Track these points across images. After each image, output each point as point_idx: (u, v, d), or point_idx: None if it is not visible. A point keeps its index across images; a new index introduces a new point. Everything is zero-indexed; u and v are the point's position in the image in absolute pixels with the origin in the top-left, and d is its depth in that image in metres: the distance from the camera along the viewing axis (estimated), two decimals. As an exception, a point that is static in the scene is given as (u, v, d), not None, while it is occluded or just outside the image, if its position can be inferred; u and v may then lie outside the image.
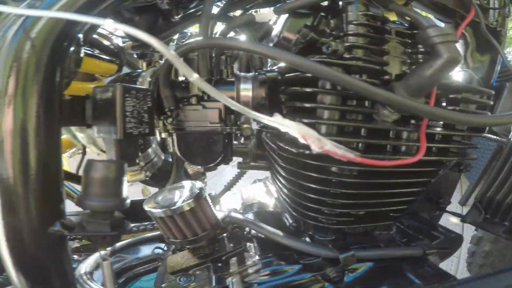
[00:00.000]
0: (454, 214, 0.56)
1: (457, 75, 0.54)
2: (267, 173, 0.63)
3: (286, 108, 0.39)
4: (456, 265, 1.22)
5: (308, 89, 0.33)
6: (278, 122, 0.25)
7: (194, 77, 0.23)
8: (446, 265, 1.24)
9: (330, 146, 0.26)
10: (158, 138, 0.59)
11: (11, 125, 0.24)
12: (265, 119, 0.25)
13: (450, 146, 0.39)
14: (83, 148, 0.55)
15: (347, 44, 0.35)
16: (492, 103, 0.42)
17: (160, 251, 0.64)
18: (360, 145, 0.35)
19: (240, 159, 0.54)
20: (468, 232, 1.02)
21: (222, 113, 0.40)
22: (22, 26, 0.25)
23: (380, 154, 0.36)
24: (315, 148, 0.26)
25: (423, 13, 0.44)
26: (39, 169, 0.25)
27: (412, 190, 0.42)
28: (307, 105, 0.33)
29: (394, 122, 0.36)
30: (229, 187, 0.67)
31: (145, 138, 0.53)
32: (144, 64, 0.58)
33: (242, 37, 0.50)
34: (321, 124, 0.33)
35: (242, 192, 0.65)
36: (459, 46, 0.53)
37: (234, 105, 0.25)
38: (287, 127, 0.25)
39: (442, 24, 0.51)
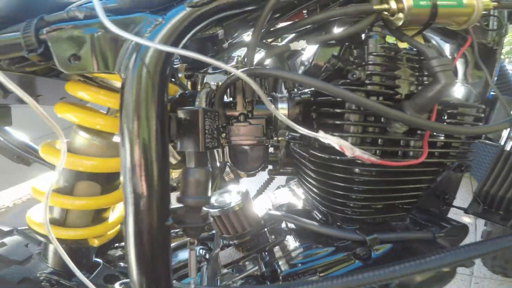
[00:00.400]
0: (459, 208, 0.66)
1: (459, 90, 0.65)
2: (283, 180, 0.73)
3: (316, 123, 0.50)
4: (469, 281, 1.29)
5: (338, 110, 0.45)
6: (322, 136, 0.36)
7: (263, 97, 0.34)
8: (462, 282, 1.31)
9: (359, 153, 0.37)
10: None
11: (138, 140, 0.34)
12: (313, 134, 0.37)
13: (449, 150, 0.50)
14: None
15: (368, 72, 0.46)
16: (482, 115, 0.53)
17: (202, 251, 0.75)
18: (377, 151, 0.46)
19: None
20: (480, 228, 1.11)
21: (264, 128, 0.51)
22: (139, 55, 0.35)
23: (393, 158, 0.47)
24: (349, 154, 0.37)
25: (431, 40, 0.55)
26: (159, 179, 0.36)
27: (419, 186, 0.53)
28: (337, 122, 0.45)
29: (403, 133, 0.47)
30: (261, 191, 0.78)
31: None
32: (189, 84, 0.69)
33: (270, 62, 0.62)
34: (348, 136, 0.45)
35: (271, 196, 0.76)
36: (460, 64, 0.64)
37: (289, 123, 0.36)
38: (329, 139, 0.37)
39: (447, 45, 0.62)
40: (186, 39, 0.39)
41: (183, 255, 0.74)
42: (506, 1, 0.48)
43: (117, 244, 0.78)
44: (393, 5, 0.42)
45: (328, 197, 0.54)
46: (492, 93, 0.71)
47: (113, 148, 0.50)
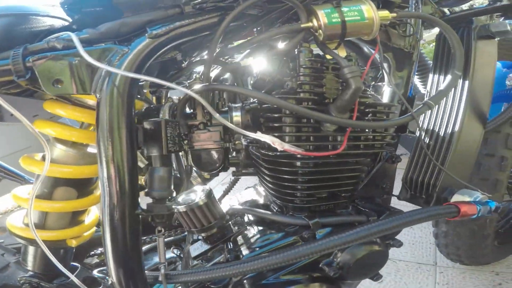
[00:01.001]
0: (394, 195, 0.80)
1: (386, 91, 0.80)
2: (254, 181, 0.85)
3: (264, 127, 0.62)
4: (433, 251, 1.44)
5: (276, 115, 0.57)
6: (258, 135, 0.48)
7: (213, 112, 0.46)
8: (424, 252, 1.45)
9: (287, 146, 0.50)
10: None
11: (112, 147, 0.44)
12: (251, 134, 0.48)
13: (372, 143, 0.64)
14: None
15: (299, 82, 0.59)
16: (396, 112, 0.67)
17: (176, 252, 0.83)
18: (310, 146, 0.59)
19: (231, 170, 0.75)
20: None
21: (221, 134, 0.62)
22: (110, 79, 0.45)
23: (324, 151, 0.60)
24: (279, 148, 0.50)
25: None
26: (129, 177, 0.45)
27: (353, 175, 0.66)
28: (276, 124, 0.57)
29: (334, 130, 0.60)
30: (227, 192, 0.89)
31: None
32: (154, 98, 0.80)
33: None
34: (285, 135, 0.57)
35: (238, 196, 0.87)
36: (387, 67, 0.79)
37: (234, 128, 0.48)
38: (263, 138, 0.49)
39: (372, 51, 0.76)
40: (148, 64, 0.50)
41: (157, 258, 0.81)
42: (403, 11, 0.62)
43: (92, 252, 0.84)
44: (315, 23, 0.54)
45: (279, 190, 0.66)
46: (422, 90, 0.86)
47: (87, 157, 0.59)
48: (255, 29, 0.66)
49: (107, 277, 0.49)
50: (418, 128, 0.71)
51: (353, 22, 0.54)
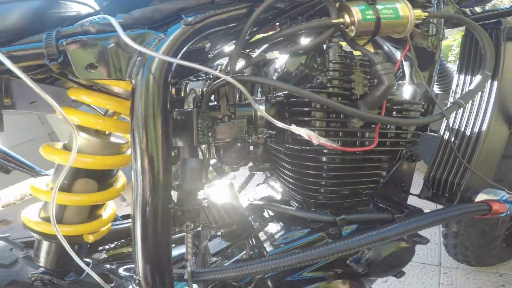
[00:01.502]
0: (413, 194, 0.80)
1: (407, 89, 0.79)
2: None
3: (289, 121, 0.61)
4: (438, 252, 1.44)
5: (306, 109, 0.56)
6: (294, 128, 0.47)
7: (250, 98, 0.44)
8: (429, 252, 1.45)
9: (323, 140, 0.49)
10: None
11: (147, 136, 0.43)
12: (287, 127, 0.48)
13: (398, 140, 0.63)
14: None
15: (329, 77, 0.58)
16: (423, 110, 0.67)
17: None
18: (339, 142, 0.58)
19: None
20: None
21: (245, 127, 0.61)
22: (146, 64, 0.44)
23: (353, 146, 0.59)
24: (315, 142, 0.49)
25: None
26: (164, 169, 0.44)
27: (376, 172, 0.65)
28: (306, 118, 0.56)
29: (360, 127, 0.59)
30: (243, 186, 0.87)
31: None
32: (173, 90, 0.78)
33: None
34: (315, 130, 0.56)
35: (252, 192, 0.86)
36: (407, 66, 0.78)
37: (270, 119, 0.47)
38: (299, 131, 0.48)
39: (397, 53, 0.76)
40: (183, 50, 0.49)
41: (174, 252, 0.80)
42: (435, 11, 0.62)
43: (101, 248, 0.83)
44: (347, 19, 0.54)
45: (302, 185, 0.65)
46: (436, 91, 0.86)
47: (110, 147, 0.57)
48: (277, 24, 0.65)
49: (134, 275, 0.48)
50: (445, 127, 0.71)
51: (387, 19, 0.54)
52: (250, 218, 0.67)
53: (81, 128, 0.55)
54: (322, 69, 0.60)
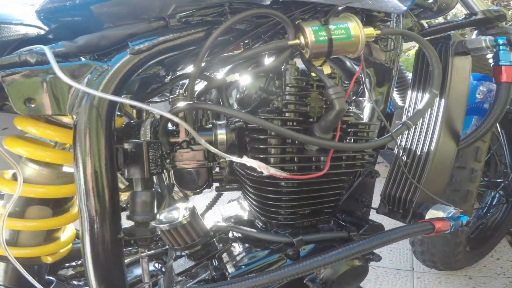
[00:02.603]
0: (373, 208, 0.83)
1: (366, 108, 0.83)
2: (237, 194, 0.85)
3: (249, 146, 0.62)
4: (410, 257, 1.50)
5: (261, 136, 0.58)
6: (245, 160, 0.49)
7: (198, 138, 0.45)
8: (402, 258, 1.51)
9: (273, 171, 0.51)
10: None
11: (91, 171, 0.43)
12: (237, 160, 0.49)
13: (353, 162, 0.66)
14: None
15: (284, 101, 0.60)
16: (376, 131, 0.70)
17: (158, 265, 0.82)
18: (295, 167, 0.60)
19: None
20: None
21: (205, 152, 0.62)
22: (88, 99, 0.44)
23: (309, 171, 0.61)
24: (266, 173, 0.50)
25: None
26: (110, 201, 0.44)
27: (335, 192, 0.68)
28: (261, 146, 0.58)
29: (316, 150, 0.62)
30: (210, 206, 0.88)
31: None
32: (134, 112, 0.77)
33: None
34: (270, 157, 0.58)
35: (221, 210, 0.86)
36: (368, 82, 0.81)
37: (220, 154, 0.48)
38: (250, 163, 0.49)
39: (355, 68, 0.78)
40: (129, 81, 0.49)
41: (138, 270, 0.80)
42: (387, 28, 0.64)
43: (67, 264, 0.81)
44: (302, 40, 0.55)
45: (264, 208, 0.66)
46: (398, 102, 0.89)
47: (62, 177, 0.57)
48: (241, 43, 0.66)
49: None
50: (396, 147, 0.74)
51: (339, 40, 0.55)
52: (214, 239, 0.68)
53: (30, 159, 0.54)
54: (279, 92, 0.62)
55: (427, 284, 1.37)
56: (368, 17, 0.65)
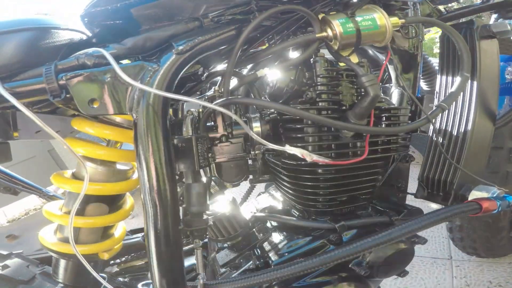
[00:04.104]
0: (410, 194, 0.83)
1: (394, 93, 0.83)
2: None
3: (284, 136, 0.65)
4: (447, 245, 1.46)
5: (298, 125, 0.60)
6: (288, 149, 0.51)
7: (241, 122, 0.48)
8: (438, 246, 1.47)
9: (315, 157, 0.53)
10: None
11: (152, 165, 0.46)
12: (280, 148, 0.51)
13: (388, 146, 0.67)
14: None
15: (317, 91, 0.62)
16: (409, 115, 0.70)
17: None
18: (332, 154, 0.62)
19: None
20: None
21: (243, 145, 0.65)
22: (145, 98, 0.48)
23: (345, 157, 0.62)
24: (308, 160, 0.52)
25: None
26: (170, 193, 0.48)
27: (371, 178, 0.69)
28: (299, 135, 0.60)
29: (352, 137, 0.63)
30: (245, 198, 0.91)
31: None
32: (171, 111, 0.82)
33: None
34: (308, 145, 0.60)
35: (254, 203, 0.89)
36: (392, 70, 0.82)
37: (264, 143, 0.50)
38: (293, 151, 0.51)
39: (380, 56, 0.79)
40: (177, 79, 0.53)
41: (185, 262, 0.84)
42: (411, 17, 0.64)
43: (112, 262, 0.87)
44: (330, 32, 0.57)
45: (301, 196, 0.69)
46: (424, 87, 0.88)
47: (117, 174, 0.62)
48: (265, 39, 0.68)
49: None
50: (432, 129, 0.74)
51: (367, 30, 0.57)
52: (254, 229, 0.71)
53: (88, 157, 0.59)
54: (311, 83, 0.64)
55: (467, 272, 1.32)
56: (386, 6, 0.66)
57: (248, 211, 0.84)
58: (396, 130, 0.61)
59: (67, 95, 0.48)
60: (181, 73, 0.52)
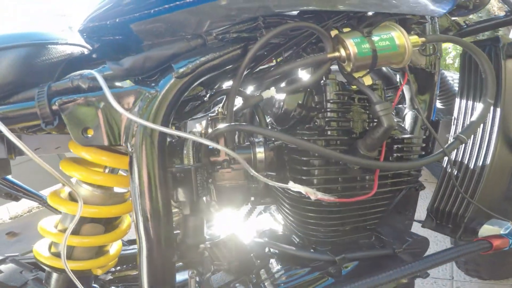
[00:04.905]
0: (418, 221, 0.80)
1: (407, 115, 0.78)
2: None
3: (288, 165, 0.61)
4: (449, 265, 1.42)
5: (304, 158, 0.56)
6: (292, 186, 0.48)
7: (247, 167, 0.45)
8: (440, 267, 1.43)
9: (320, 195, 0.49)
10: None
11: (148, 198, 0.44)
12: (284, 186, 0.48)
13: (399, 180, 0.63)
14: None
15: (327, 119, 0.58)
16: (423, 145, 0.66)
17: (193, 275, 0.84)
18: (339, 187, 0.58)
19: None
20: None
21: (244, 173, 0.62)
22: (140, 128, 0.45)
23: (353, 191, 0.59)
24: (313, 198, 0.49)
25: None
26: (166, 226, 0.46)
27: (378, 210, 0.66)
28: (304, 168, 0.57)
29: (360, 168, 0.59)
30: (245, 220, 0.89)
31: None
32: (173, 127, 0.79)
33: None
34: (314, 178, 0.57)
35: (254, 223, 0.87)
36: (407, 90, 0.76)
37: (265, 180, 0.47)
38: (297, 188, 0.48)
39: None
40: (177, 105, 0.49)
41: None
42: (431, 35, 0.59)
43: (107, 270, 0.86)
44: (343, 53, 0.52)
45: (303, 225, 0.66)
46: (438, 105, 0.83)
47: (114, 197, 0.60)
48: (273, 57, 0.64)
49: None
50: (447, 161, 0.70)
51: (384, 52, 0.52)
52: (252, 254, 0.69)
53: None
54: (320, 108, 0.60)
55: (468, 293, 1.30)
56: (402, 21, 0.61)
57: (248, 232, 0.82)
58: (411, 166, 0.58)
59: (60, 122, 0.45)
60: (182, 98, 0.48)
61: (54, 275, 0.64)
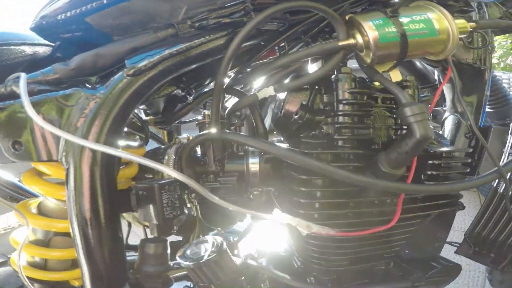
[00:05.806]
0: (451, 244, 0.65)
1: (447, 121, 0.62)
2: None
3: (287, 183, 0.49)
4: (482, 281, 1.26)
5: (303, 176, 0.44)
6: (276, 219, 0.36)
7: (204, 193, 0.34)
8: (471, 281, 1.28)
9: (316, 229, 0.37)
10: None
11: (89, 223, 0.35)
12: (267, 217, 0.37)
13: (431, 203, 0.49)
14: (129, 224, 0.69)
15: (337, 125, 0.45)
16: (469, 160, 0.50)
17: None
18: (348, 213, 0.45)
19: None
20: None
21: (235, 187, 0.51)
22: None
23: (367, 218, 0.46)
24: (305, 232, 0.37)
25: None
26: (115, 253, 0.37)
27: (400, 238, 0.52)
28: (303, 189, 0.44)
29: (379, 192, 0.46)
30: (244, 235, 0.79)
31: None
32: (165, 133, 0.70)
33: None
34: (316, 202, 0.44)
35: (255, 236, 0.77)
36: (447, 89, 0.60)
37: (250, 213, 0.36)
38: (287, 220, 0.37)
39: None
40: (133, 110, 0.39)
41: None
42: (485, 20, 0.45)
43: None
44: (360, 39, 0.40)
45: (305, 253, 0.54)
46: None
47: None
48: (276, 48, 0.51)
49: None
50: (503, 182, 0.54)
51: (417, 37, 0.40)
52: (242, 278, 0.59)
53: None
54: (330, 111, 0.46)
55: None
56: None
57: (245, 249, 0.72)
58: (454, 189, 0.43)
59: None
60: (139, 103, 0.38)
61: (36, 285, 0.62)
